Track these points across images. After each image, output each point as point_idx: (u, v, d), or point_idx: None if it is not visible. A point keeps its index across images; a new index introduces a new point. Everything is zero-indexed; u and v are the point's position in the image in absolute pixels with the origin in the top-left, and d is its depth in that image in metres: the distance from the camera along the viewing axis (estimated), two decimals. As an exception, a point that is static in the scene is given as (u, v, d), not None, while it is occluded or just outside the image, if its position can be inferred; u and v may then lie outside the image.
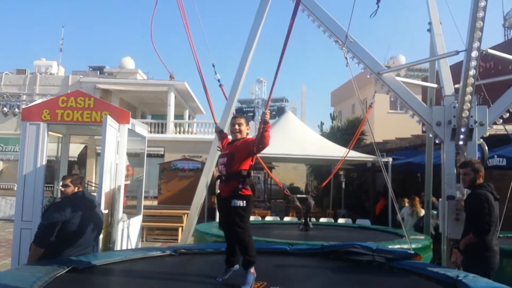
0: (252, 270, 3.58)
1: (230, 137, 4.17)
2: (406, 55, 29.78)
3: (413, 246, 6.08)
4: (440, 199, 6.12)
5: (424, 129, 6.67)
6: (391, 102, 24.73)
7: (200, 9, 4.17)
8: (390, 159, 12.14)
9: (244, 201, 3.64)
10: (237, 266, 3.87)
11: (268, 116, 3.63)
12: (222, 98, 7.06)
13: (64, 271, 3.47)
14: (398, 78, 6.61)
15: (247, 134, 3.99)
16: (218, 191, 3.98)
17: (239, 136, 3.91)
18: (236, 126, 3.91)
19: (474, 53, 5.06)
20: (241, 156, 3.74)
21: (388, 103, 24.28)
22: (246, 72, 7.49)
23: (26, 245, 4.84)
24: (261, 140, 3.62)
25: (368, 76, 6.64)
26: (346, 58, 6.53)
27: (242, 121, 3.94)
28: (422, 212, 9.22)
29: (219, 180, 3.88)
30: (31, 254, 4.01)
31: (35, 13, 75.34)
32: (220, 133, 4.51)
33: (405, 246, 5.97)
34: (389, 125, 21.67)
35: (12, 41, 76.18)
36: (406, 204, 10.13)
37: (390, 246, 5.62)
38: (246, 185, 3.70)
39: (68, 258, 3.81)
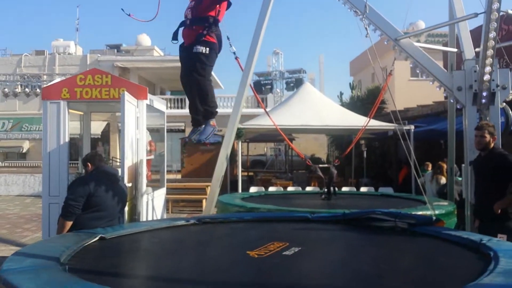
0: (212, 122, 3.48)
1: None
2: (426, 21, 28.95)
3: (437, 212, 6.05)
4: (463, 165, 6.05)
5: (445, 95, 6.54)
6: (412, 69, 24.16)
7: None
8: (412, 127, 11.99)
9: (207, 48, 3.40)
10: (204, 126, 3.64)
11: None
12: (239, 71, 7.03)
13: (92, 241, 3.58)
14: (417, 44, 6.47)
15: None
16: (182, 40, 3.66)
17: None
18: None
19: (494, 15, 4.91)
20: None
21: (409, 70, 23.77)
22: (260, 43, 7.43)
23: (55, 219, 4.99)
24: None
25: (386, 43, 6.51)
26: (366, 28, 6.40)
27: None
28: (443, 180, 9.12)
29: (182, 27, 3.59)
30: (59, 227, 4.16)
31: (51, -7, 75.68)
32: None
33: (428, 213, 5.94)
34: (411, 92, 21.28)
35: (29, 22, 76.84)
36: (429, 169, 10.04)
37: (413, 213, 5.62)
38: (212, 32, 3.45)
39: (95, 229, 3.93)
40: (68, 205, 4.08)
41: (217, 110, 3.63)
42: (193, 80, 3.43)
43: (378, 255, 3.50)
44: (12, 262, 2.79)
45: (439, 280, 2.80)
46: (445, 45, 12.07)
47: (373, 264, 3.20)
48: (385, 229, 4.39)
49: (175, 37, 3.65)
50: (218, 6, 3.50)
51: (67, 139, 5.75)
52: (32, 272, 2.61)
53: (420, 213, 5.84)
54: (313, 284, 2.74)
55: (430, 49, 7.18)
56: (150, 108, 6.35)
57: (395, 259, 3.39)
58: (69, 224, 4.09)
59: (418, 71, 6.53)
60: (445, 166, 9.33)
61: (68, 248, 3.24)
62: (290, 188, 11.20)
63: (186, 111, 26.52)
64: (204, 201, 12.00)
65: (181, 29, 3.64)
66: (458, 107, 6.25)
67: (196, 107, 3.58)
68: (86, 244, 3.51)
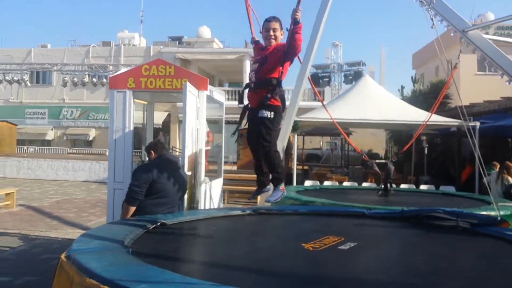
0: (282, 187, 3.45)
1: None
2: (495, 13, 27.42)
3: (502, 213, 5.77)
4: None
5: (516, 90, 6.21)
6: (479, 63, 23.07)
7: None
8: (478, 123, 11.44)
9: (272, 112, 3.39)
10: (268, 187, 3.69)
11: (299, 15, 3.18)
12: (297, 62, 7.01)
13: (153, 226, 3.73)
14: (486, 36, 6.17)
15: (281, 39, 3.58)
16: (246, 102, 3.67)
17: (273, 42, 3.53)
18: (271, 32, 3.51)
19: None
20: (273, 61, 3.43)
21: (476, 64, 22.67)
22: (320, 35, 7.36)
23: (119, 204, 5.25)
24: (292, 43, 3.25)
25: (452, 35, 6.27)
26: (432, 19, 6.21)
27: (277, 25, 3.51)
28: (510, 180, 8.66)
29: (247, 89, 3.60)
30: (123, 211, 4.37)
31: (118, -13, 79.04)
32: (256, 43, 3.94)
33: (493, 213, 5.68)
34: (477, 87, 20.29)
35: (97, 14, 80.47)
36: (497, 169, 9.57)
37: (476, 213, 5.39)
38: (276, 95, 3.42)
39: (157, 215, 4.09)
40: (132, 191, 4.28)
41: (284, 175, 3.62)
42: (259, 147, 3.47)
43: (437, 254, 3.40)
44: (80, 243, 2.98)
45: (501, 283, 2.69)
46: (517, 37, 11.42)
47: (432, 262, 3.12)
48: (446, 228, 4.26)
49: (241, 100, 3.70)
50: (281, 67, 3.47)
51: (132, 128, 6.00)
52: (98, 253, 2.77)
53: (483, 213, 5.60)
54: (370, 279, 2.72)
55: (499, 41, 6.80)
56: (210, 99, 6.48)
57: (455, 258, 3.29)
58: (132, 209, 4.29)
59: (486, 65, 6.23)
60: (511, 165, 8.86)
61: (131, 232, 3.40)
62: (345, 183, 11.06)
63: (243, 103, 26.90)
64: (259, 192, 12.13)
65: (246, 91, 3.69)
66: (529, 103, 5.91)
67: (261, 169, 3.66)
68: (148, 229, 3.67)
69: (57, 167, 18.34)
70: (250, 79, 3.64)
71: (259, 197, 11.80)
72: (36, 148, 28.45)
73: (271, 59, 3.46)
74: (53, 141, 30.07)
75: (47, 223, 9.13)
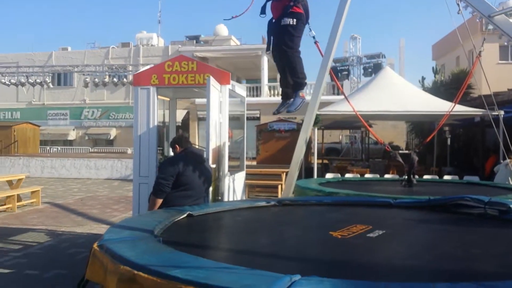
0: (301, 93, 3.54)
1: None
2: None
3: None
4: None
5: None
6: (501, 51, 22.61)
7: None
8: (502, 112, 11.23)
9: (295, 19, 3.48)
10: (292, 100, 3.75)
11: None
12: (318, 55, 6.96)
13: (181, 217, 3.78)
14: (512, 20, 6.05)
15: None
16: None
17: None
18: None
19: None
20: None
21: (498, 53, 22.24)
22: (342, 26, 7.29)
23: (144, 198, 5.33)
24: None
25: (477, 20, 6.20)
26: (458, 5, 6.16)
27: None
28: None
29: (269, 1, 3.69)
30: (150, 204, 4.43)
31: (134, -13, 79.80)
32: None
33: (521, 200, 5.57)
34: (500, 76, 19.86)
35: (115, 15, 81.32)
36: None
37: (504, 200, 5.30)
38: (298, 3, 3.52)
39: (183, 206, 4.14)
40: (159, 184, 4.33)
41: (306, 81, 3.65)
42: (282, 53, 3.51)
43: (467, 240, 3.37)
44: (111, 233, 3.03)
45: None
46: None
47: (463, 248, 3.09)
48: (474, 215, 4.21)
49: (263, 11, 3.73)
50: None
51: (156, 123, 6.08)
52: (130, 242, 2.81)
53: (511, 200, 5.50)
54: (402, 264, 2.70)
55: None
56: (231, 93, 6.50)
57: (487, 244, 3.24)
58: (159, 201, 4.35)
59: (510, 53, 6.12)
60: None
61: (160, 223, 3.45)
62: (367, 175, 10.98)
63: (261, 99, 26.81)
64: (279, 186, 12.13)
65: (268, 4, 3.72)
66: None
67: (285, 80, 3.68)
68: (176, 219, 3.71)
69: (80, 166, 18.64)
70: None
71: (279, 191, 11.74)
72: (59, 148, 28.93)
73: None
74: (75, 141, 30.55)
75: (72, 219, 9.30)
